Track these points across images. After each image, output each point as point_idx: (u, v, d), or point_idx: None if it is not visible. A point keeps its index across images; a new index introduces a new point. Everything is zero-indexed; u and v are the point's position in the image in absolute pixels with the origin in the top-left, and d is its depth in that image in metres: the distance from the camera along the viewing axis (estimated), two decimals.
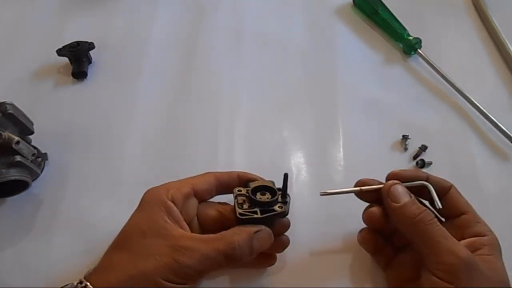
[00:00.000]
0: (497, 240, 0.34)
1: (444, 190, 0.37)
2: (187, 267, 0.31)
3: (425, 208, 0.34)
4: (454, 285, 0.30)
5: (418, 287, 0.33)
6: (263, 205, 0.36)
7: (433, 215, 0.34)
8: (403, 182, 0.36)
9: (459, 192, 0.37)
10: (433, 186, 0.36)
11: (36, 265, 0.40)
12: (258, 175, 0.40)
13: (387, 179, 0.38)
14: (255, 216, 0.35)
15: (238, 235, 0.33)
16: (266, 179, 0.39)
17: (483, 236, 0.34)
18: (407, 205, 0.34)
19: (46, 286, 0.39)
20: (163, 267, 0.31)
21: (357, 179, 0.45)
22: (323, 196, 0.37)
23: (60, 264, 0.40)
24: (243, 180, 0.39)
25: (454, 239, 0.32)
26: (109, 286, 0.30)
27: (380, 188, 0.37)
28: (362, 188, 0.37)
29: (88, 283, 0.31)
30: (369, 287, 0.39)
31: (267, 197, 0.37)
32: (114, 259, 0.32)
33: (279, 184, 0.38)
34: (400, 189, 0.35)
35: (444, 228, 0.33)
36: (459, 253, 0.31)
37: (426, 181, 0.37)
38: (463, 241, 0.34)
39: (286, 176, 0.36)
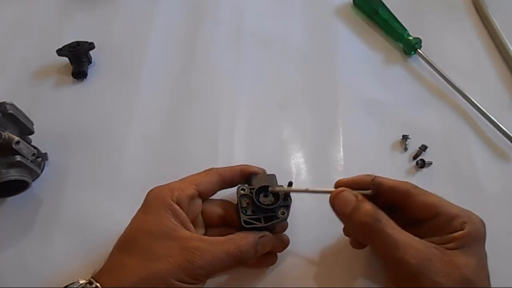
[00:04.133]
0: (477, 228, 0.32)
1: (403, 195, 0.34)
2: (200, 267, 0.31)
3: (370, 213, 0.32)
4: None
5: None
6: (267, 210, 0.37)
7: (382, 219, 0.32)
8: (353, 189, 0.34)
9: (423, 192, 0.34)
10: (389, 192, 0.34)
11: (36, 265, 0.40)
12: None
13: (335, 187, 0.36)
14: (259, 225, 0.36)
15: (245, 239, 0.35)
16: (268, 172, 0.40)
17: (458, 231, 0.32)
18: (352, 216, 0.33)
19: (46, 286, 0.39)
20: (176, 268, 0.31)
21: None
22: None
23: (60, 264, 0.40)
24: (246, 174, 0.40)
25: (405, 243, 0.31)
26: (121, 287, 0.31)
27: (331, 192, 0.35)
28: (309, 188, 0.36)
29: (98, 284, 0.31)
30: (369, 287, 0.39)
31: (269, 199, 0.38)
32: (124, 260, 0.32)
33: (278, 177, 0.39)
34: (344, 198, 0.34)
35: (394, 233, 0.31)
36: (406, 263, 0.30)
37: (376, 185, 0.34)
38: (427, 240, 0.32)
39: (290, 184, 0.37)
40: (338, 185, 0.37)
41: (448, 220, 0.33)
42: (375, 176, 0.34)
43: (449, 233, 0.32)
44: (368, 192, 0.34)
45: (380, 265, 0.39)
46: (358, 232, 0.34)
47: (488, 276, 0.32)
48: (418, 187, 0.35)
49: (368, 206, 0.33)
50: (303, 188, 0.37)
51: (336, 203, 0.34)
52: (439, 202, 0.34)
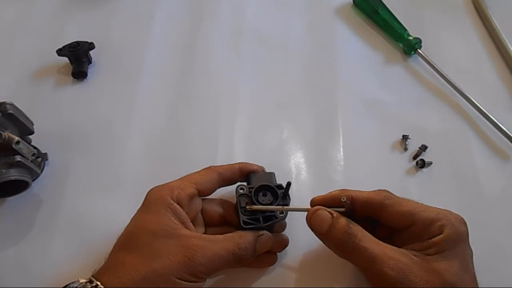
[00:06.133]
0: (456, 229, 0.32)
1: (378, 206, 0.34)
2: (201, 265, 0.32)
3: (346, 229, 0.32)
4: None
5: None
6: (266, 210, 0.37)
7: (357, 234, 0.32)
8: (328, 206, 0.35)
9: (397, 202, 0.34)
10: (363, 206, 0.34)
11: (36, 265, 0.40)
12: None
13: (311, 205, 0.37)
14: (259, 225, 0.37)
15: (244, 237, 0.35)
16: (267, 170, 0.41)
17: (437, 235, 0.32)
18: (328, 234, 0.33)
19: (46, 286, 0.39)
20: (178, 266, 0.31)
21: (357, 179, 0.45)
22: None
23: (60, 264, 0.40)
24: (245, 172, 0.40)
25: (383, 256, 0.31)
26: (122, 286, 0.31)
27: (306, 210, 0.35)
28: (285, 207, 0.37)
29: (99, 283, 0.31)
30: (368, 287, 0.39)
31: (268, 198, 0.38)
32: (125, 259, 0.32)
33: (278, 177, 0.40)
34: (320, 216, 0.34)
35: (370, 246, 0.31)
36: (385, 277, 0.30)
37: (351, 201, 0.34)
38: (407, 247, 0.32)
39: (289, 184, 0.37)
40: (313, 203, 0.37)
41: (425, 226, 0.32)
42: (346, 198, 0.34)
43: (428, 239, 0.32)
44: (342, 209, 0.34)
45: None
46: (335, 250, 0.34)
47: (473, 276, 0.32)
48: (393, 196, 0.35)
49: (342, 223, 0.33)
50: (279, 206, 0.37)
51: (312, 222, 0.34)
52: (414, 209, 0.33)
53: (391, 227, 0.35)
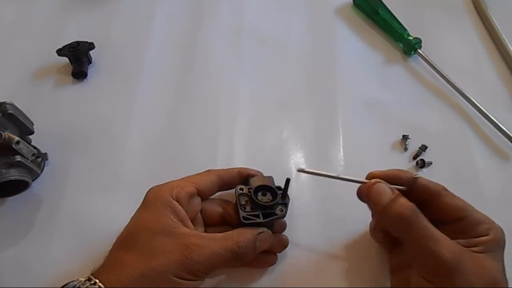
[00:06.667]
0: (500, 235, 0.33)
1: (434, 195, 0.35)
2: (198, 263, 0.32)
3: (409, 205, 0.32)
4: (435, 285, 0.31)
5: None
6: (265, 207, 0.37)
7: (418, 213, 0.32)
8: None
9: (452, 195, 0.35)
10: (421, 190, 0.35)
11: (36, 265, 0.40)
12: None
13: (368, 178, 0.36)
14: (258, 220, 0.36)
15: (244, 235, 0.35)
16: (265, 175, 0.40)
17: (484, 235, 0.33)
18: (389, 207, 0.33)
19: (46, 286, 0.39)
20: (175, 264, 0.31)
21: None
22: (300, 174, 0.40)
23: (60, 264, 0.40)
24: (243, 176, 0.40)
25: (441, 238, 0.31)
26: (120, 284, 0.31)
27: (363, 183, 0.35)
28: (340, 176, 0.35)
29: (98, 281, 0.31)
30: (369, 287, 0.39)
31: (268, 197, 0.38)
32: (123, 257, 0.32)
33: (277, 180, 0.39)
34: (381, 189, 0.34)
35: (430, 227, 0.32)
36: (442, 257, 0.30)
37: (412, 184, 0.35)
38: (456, 240, 0.33)
39: (288, 180, 0.37)
40: (371, 176, 0.36)
41: (475, 224, 0.33)
42: (417, 175, 0.35)
43: (475, 237, 0.32)
44: (403, 188, 0.34)
45: (377, 266, 0.39)
46: (394, 223, 0.33)
47: (507, 281, 0.32)
48: (448, 190, 0.35)
49: (405, 199, 0.33)
50: (334, 174, 0.36)
51: (372, 193, 0.34)
52: (466, 206, 0.34)
53: (439, 218, 0.34)
